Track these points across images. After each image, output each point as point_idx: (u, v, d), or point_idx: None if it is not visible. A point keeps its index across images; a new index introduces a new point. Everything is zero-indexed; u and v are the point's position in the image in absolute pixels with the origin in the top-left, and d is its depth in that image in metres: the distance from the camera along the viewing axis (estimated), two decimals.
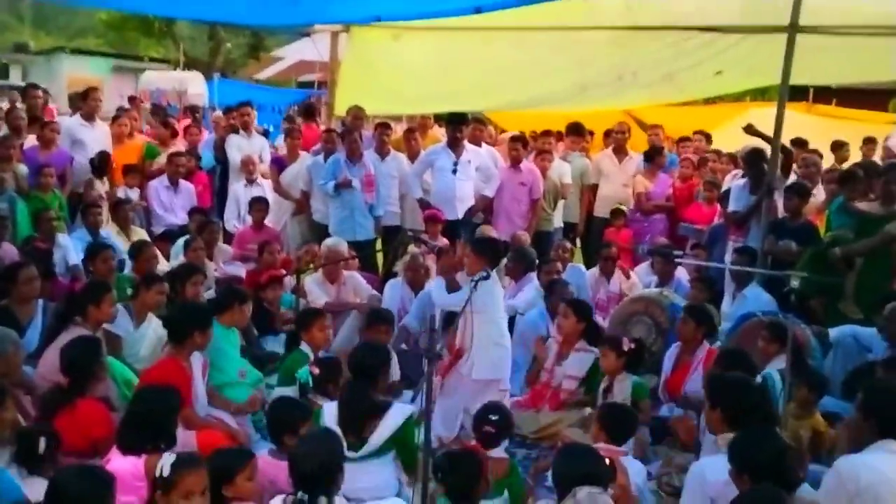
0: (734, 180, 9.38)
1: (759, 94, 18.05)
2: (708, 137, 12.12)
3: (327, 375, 5.61)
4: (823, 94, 16.82)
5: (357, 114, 10.11)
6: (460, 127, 9.37)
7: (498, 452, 4.83)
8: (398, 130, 10.94)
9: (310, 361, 5.83)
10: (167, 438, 4.31)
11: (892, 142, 12.23)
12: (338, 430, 4.65)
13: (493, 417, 4.85)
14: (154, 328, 6.22)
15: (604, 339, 6.33)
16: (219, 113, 13.56)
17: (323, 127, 11.06)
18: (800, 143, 10.62)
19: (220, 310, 5.98)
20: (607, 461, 3.94)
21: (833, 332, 6.86)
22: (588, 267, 9.05)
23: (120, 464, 4.13)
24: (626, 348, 6.01)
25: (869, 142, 12.36)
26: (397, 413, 4.79)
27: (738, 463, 3.69)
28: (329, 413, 4.81)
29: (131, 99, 15.60)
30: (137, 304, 6.40)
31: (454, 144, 9.36)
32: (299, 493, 3.75)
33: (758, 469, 3.59)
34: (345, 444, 4.64)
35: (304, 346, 6.08)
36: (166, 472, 3.56)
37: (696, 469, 4.14)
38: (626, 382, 6.00)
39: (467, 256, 5.98)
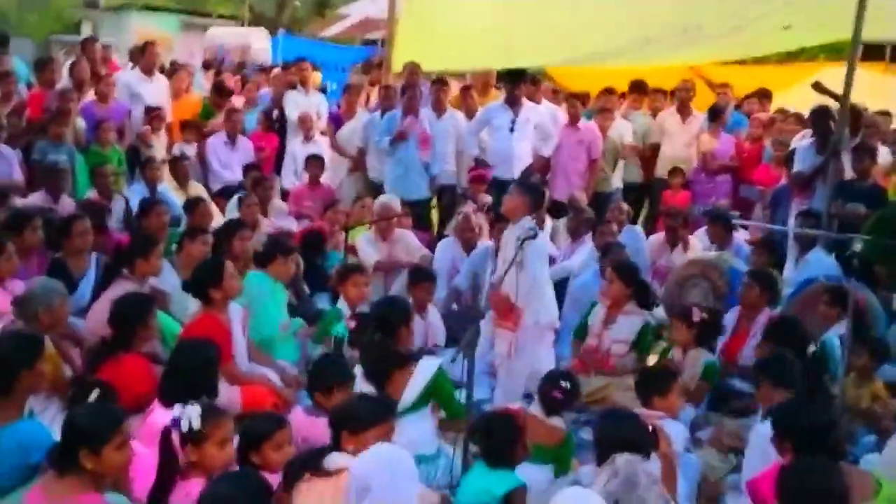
0: (800, 140, 9.05)
1: (835, 53, 17.41)
2: (766, 97, 11.53)
3: (364, 330, 5.49)
4: None
5: (413, 69, 9.97)
6: (518, 84, 9.16)
7: (556, 421, 4.74)
8: (455, 88, 10.74)
9: (346, 316, 5.78)
10: (208, 391, 4.27)
11: None
12: (369, 387, 4.63)
13: (563, 383, 4.74)
14: None
15: (674, 310, 6.14)
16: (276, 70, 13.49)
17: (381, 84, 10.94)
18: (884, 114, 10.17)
19: (263, 261, 5.95)
20: (650, 428, 3.82)
21: None
22: (649, 229, 8.83)
23: (161, 417, 4.12)
24: (696, 318, 5.79)
25: None
26: (427, 366, 4.75)
27: (781, 429, 3.56)
28: (357, 373, 4.77)
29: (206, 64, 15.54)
30: (182, 257, 6.41)
31: (512, 102, 9.16)
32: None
33: (801, 437, 3.45)
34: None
35: (341, 303, 6.03)
36: (196, 424, 3.51)
37: (762, 429, 4.03)
38: (699, 358, 5.75)
39: (509, 198, 5.81)
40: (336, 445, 3.69)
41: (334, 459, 3.53)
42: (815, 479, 3.00)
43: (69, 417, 3.49)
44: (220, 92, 10.83)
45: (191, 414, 3.54)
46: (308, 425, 4.33)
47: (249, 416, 4.10)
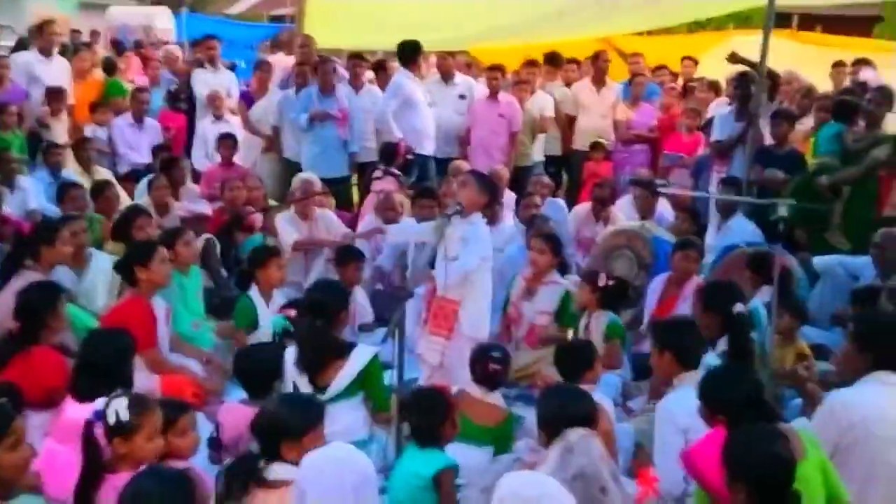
0: (718, 108, 9.11)
1: (743, 22, 17.69)
2: (695, 63, 11.74)
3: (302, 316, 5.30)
4: (808, 22, 16.49)
5: (304, 42, 9.74)
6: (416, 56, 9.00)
7: (495, 398, 4.65)
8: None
9: (280, 306, 5.57)
10: (123, 383, 4.06)
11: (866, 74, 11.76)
12: (298, 374, 4.48)
13: (496, 354, 4.67)
14: (104, 270, 5.91)
15: (581, 273, 6.12)
16: (170, 47, 13.11)
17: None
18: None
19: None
20: None
21: (819, 262, 6.75)
22: (569, 201, 8.80)
23: (75, 412, 3.90)
24: (601, 283, 5.79)
25: (838, 65, 11.79)
26: (362, 354, 4.59)
27: (710, 402, 3.50)
28: (290, 356, 4.60)
29: (93, 34, 15.11)
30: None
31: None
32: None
33: (733, 407, 3.42)
34: (311, 388, 4.50)
35: (253, 291, 5.83)
36: (124, 416, 3.32)
37: (664, 406, 4.03)
38: (602, 319, 5.78)
39: (466, 190, 5.34)
40: (272, 454, 3.52)
41: (276, 471, 3.37)
42: (763, 446, 2.95)
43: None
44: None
45: (118, 406, 3.35)
46: (251, 416, 4.15)
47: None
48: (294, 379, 4.54)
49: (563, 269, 6.48)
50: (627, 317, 6.38)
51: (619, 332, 5.82)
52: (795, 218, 6.62)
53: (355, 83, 9.30)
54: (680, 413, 3.86)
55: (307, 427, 3.52)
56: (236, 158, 9.23)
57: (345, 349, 4.61)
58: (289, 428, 3.50)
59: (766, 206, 6.77)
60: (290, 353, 4.63)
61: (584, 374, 4.50)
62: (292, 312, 5.35)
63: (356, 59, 9.69)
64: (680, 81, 10.99)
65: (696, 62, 11.78)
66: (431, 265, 5.59)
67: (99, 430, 3.36)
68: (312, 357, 4.54)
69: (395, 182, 8.17)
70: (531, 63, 10.42)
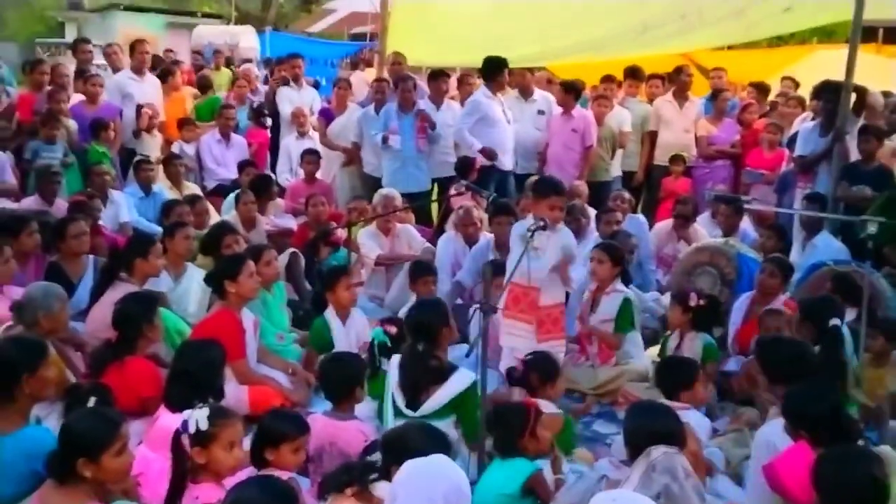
0: (802, 123, 8.96)
1: (826, 36, 17.36)
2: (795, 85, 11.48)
3: (402, 335, 5.19)
4: (894, 35, 16.12)
5: (395, 59, 9.84)
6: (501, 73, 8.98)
7: (552, 408, 4.65)
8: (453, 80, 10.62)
9: (381, 321, 5.61)
10: (214, 393, 4.19)
11: None
12: (399, 395, 4.55)
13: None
14: (198, 280, 6.06)
15: (672, 293, 6.07)
16: (248, 65, 13.43)
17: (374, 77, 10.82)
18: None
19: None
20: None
21: None
22: (647, 217, 8.73)
23: (169, 421, 4.02)
24: (692, 303, 5.73)
25: None
26: (461, 378, 4.57)
27: (792, 417, 3.53)
28: (392, 371, 4.67)
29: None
30: (169, 256, 6.25)
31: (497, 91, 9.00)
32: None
33: (813, 423, 3.41)
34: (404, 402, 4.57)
35: (328, 311, 5.87)
36: (203, 426, 3.42)
37: (762, 437, 3.95)
38: (696, 342, 5.71)
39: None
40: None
41: (383, 487, 3.37)
42: (857, 468, 2.91)
43: (65, 425, 3.40)
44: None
45: (198, 416, 3.46)
46: (333, 429, 4.22)
47: (274, 413, 3.99)
48: (394, 395, 4.61)
49: (626, 278, 6.44)
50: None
51: (714, 356, 5.75)
52: (884, 236, 6.50)
53: (436, 99, 9.38)
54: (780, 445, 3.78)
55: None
56: (318, 174, 9.41)
57: (444, 374, 4.60)
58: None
59: (852, 223, 6.66)
60: (393, 371, 4.68)
61: (682, 392, 4.46)
62: (393, 329, 5.31)
63: (438, 74, 9.76)
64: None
65: (797, 83, 11.52)
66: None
67: (185, 440, 3.46)
68: (412, 382, 4.58)
69: (474, 197, 8.20)
70: (609, 78, 10.38)
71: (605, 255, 6.11)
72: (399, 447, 3.45)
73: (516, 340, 5.49)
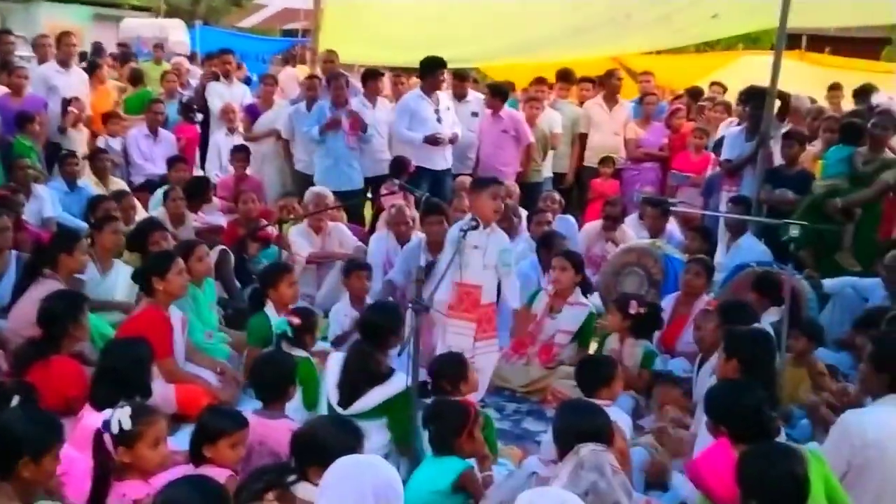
0: (728, 127, 9.16)
1: (752, 42, 17.77)
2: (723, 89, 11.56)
3: (306, 326, 5.28)
4: (816, 43, 16.57)
5: (328, 56, 9.79)
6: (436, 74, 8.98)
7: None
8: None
9: (287, 311, 5.58)
10: (141, 392, 4.12)
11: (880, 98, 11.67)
12: (335, 393, 4.57)
13: None
14: (125, 276, 5.97)
15: (613, 299, 6.14)
16: (180, 58, 13.23)
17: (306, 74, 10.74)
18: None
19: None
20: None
21: (830, 284, 6.78)
22: (576, 217, 8.84)
23: (93, 420, 3.94)
24: (633, 311, 5.79)
25: (834, 88, 11.61)
26: (395, 382, 4.55)
27: (713, 414, 3.64)
28: (332, 368, 4.66)
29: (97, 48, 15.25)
30: (97, 251, 6.15)
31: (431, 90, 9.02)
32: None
33: (735, 420, 3.52)
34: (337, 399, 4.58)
35: (269, 308, 5.78)
36: (127, 425, 3.38)
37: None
38: (637, 349, 5.78)
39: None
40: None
41: (305, 488, 3.34)
42: (780, 465, 2.99)
43: (6, 424, 3.30)
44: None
45: (121, 415, 3.42)
46: (263, 427, 4.18)
47: (211, 409, 3.96)
48: (329, 394, 4.61)
49: (585, 287, 6.51)
50: None
51: (652, 363, 5.81)
52: (806, 239, 6.70)
53: (370, 97, 9.35)
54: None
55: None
56: (248, 170, 9.32)
57: (382, 377, 4.60)
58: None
59: (776, 225, 6.83)
60: (333, 371, 4.67)
61: (602, 389, 4.52)
62: (296, 320, 5.26)
63: (372, 73, 9.73)
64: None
65: (724, 88, 11.59)
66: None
67: (108, 439, 3.42)
68: (351, 381, 4.59)
69: (406, 197, 8.19)
70: (541, 80, 10.47)
71: (568, 262, 6.19)
72: (310, 443, 3.42)
73: (460, 339, 5.50)
